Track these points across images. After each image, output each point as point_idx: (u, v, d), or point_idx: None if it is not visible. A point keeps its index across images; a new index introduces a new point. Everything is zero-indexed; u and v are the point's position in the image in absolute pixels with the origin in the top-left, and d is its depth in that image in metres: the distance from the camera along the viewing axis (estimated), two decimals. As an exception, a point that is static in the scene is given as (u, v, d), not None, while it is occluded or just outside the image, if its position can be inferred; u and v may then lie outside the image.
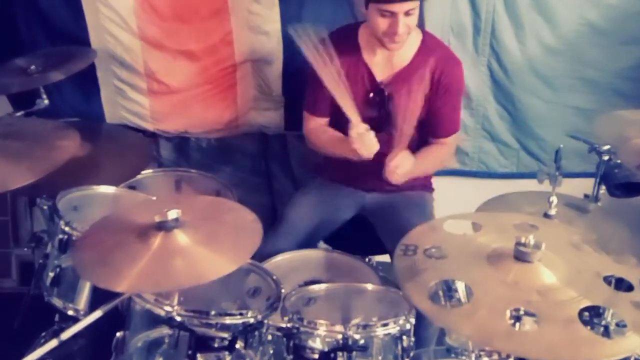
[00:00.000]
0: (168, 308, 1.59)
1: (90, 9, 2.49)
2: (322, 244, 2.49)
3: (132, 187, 2.29)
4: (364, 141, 2.03)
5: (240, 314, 1.64)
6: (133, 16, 2.49)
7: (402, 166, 2.05)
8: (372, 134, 2.04)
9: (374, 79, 2.20)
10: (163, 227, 1.49)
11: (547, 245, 1.42)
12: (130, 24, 2.50)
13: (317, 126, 2.33)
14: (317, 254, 2.15)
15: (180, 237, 1.50)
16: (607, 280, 1.39)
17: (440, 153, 2.30)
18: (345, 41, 2.19)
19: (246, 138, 2.79)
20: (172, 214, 1.48)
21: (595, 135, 2.06)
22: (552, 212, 1.86)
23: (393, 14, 2.01)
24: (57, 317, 2.13)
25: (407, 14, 2.02)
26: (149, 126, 2.69)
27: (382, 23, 2.05)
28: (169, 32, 2.53)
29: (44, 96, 2.43)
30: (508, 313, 1.27)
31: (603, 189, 2.10)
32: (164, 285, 1.44)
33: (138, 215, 1.58)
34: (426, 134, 2.27)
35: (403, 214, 2.22)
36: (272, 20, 2.51)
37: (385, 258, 2.22)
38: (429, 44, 2.20)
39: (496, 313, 1.27)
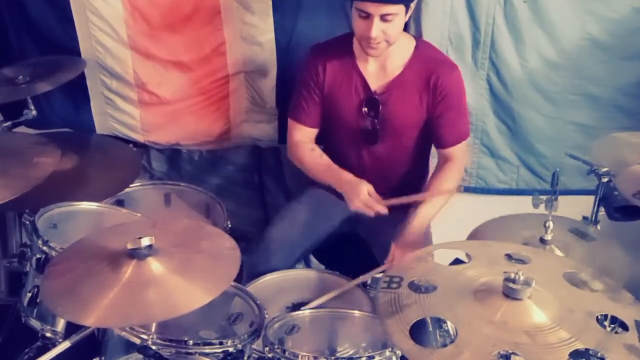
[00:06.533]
0: (143, 336, 1.52)
1: (80, 18, 2.44)
2: (315, 263, 2.44)
3: (120, 201, 2.25)
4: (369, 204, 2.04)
5: (220, 343, 1.57)
6: (123, 25, 2.44)
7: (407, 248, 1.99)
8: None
9: (369, 87, 2.16)
10: (135, 255, 1.43)
11: (538, 280, 1.35)
12: (121, 34, 2.45)
13: (304, 139, 2.26)
14: (307, 274, 2.10)
15: (154, 265, 1.44)
16: (600, 320, 1.32)
17: (447, 179, 2.16)
18: (339, 50, 2.18)
19: (239, 151, 2.75)
20: (145, 241, 1.42)
21: (595, 157, 2.00)
22: (548, 237, 1.82)
23: (369, 16, 1.97)
24: (41, 334, 2.08)
25: (384, 19, 1.97)
26: (140, 137, 2.65)
27: (360, 25, 2.02)
28: (160, 42, 2.48)
29: (32, 107, 2.40)
30: (494, 356, 1.20)
31: (602, 211, 2.04)
32: (134, 319, 1.38)
33: (111, 240, 1.52)
34: (435, 145, 2.21)
35: (397, 232, 2.15)
36: (266, 30, 2.45)
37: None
38: (423, 50, 2.16)
39: (482, 356, 1.20)
